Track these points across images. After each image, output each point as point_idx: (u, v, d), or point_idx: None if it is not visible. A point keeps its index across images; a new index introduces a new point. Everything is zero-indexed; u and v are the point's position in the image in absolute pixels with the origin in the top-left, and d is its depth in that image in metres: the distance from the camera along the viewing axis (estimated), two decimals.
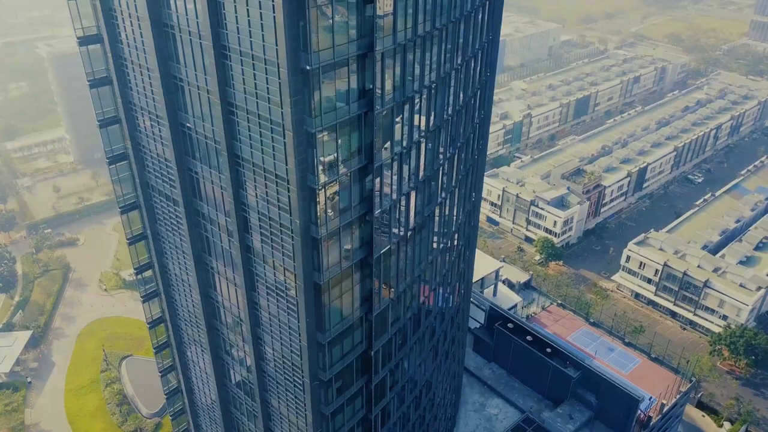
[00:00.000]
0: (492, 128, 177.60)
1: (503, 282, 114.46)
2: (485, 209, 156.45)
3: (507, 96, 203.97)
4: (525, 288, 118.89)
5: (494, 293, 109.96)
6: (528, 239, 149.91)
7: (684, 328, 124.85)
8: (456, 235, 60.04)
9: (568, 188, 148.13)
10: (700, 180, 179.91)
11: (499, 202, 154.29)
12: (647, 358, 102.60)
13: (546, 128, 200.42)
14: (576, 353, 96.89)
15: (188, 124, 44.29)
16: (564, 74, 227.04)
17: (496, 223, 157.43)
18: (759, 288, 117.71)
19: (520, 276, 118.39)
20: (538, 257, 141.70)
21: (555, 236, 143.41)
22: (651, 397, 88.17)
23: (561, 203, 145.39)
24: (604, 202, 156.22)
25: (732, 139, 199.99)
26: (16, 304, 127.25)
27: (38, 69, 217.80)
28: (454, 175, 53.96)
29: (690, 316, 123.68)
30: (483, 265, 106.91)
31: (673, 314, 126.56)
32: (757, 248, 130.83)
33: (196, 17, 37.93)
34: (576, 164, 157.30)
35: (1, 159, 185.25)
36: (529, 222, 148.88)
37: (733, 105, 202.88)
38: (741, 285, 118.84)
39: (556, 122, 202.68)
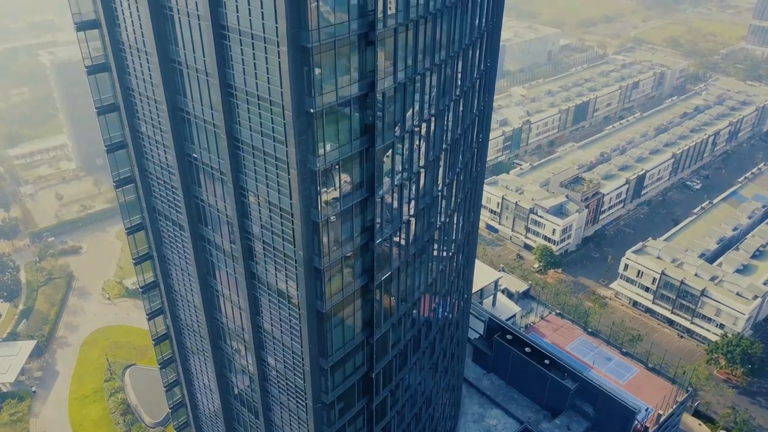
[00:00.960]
0: (491, 135, 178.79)
1: (502, 292, 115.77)
2: (485, 217, 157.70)
3: (506, 102, 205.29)
4: (524, 297, 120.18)
5: (493, 303, 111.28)
6: (527, 247, 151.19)
7: (681, 336, 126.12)
8: (455, 256, 61.30)
9: (566, 196, 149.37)
10: (698, 186, 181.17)
11: (498, 210, 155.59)
12: (644, 368, 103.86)
13: (545, 134, 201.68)
14: (574, 364, 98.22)
15: (194, 155, 45.56)
16: (563, 80, 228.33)
17: (496, 231, 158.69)
18: (755, 297, 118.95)
19: (518, 285, 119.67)
20: (537, 265, 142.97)
21: (554, 244, 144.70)
22: (648, 408, 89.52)
23: (560, 211, 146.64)
24: (602, 209, 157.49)
25: (730, 145, 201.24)
26: (20, 312, 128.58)
27: (40, 74, 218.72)
28: (453, 199, 55.21)
29: (687, 324, 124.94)
30: (482, 275, 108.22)
31: (671, 322, 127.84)
32: (753, 256, 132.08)
33: (203, 56, 39.28)
34: (575, 172, 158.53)
35: (3, 166, 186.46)
36: (528, 230, 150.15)
37: (731, 111, 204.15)
38: (738, 293, 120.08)
39: (555, 128, 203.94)
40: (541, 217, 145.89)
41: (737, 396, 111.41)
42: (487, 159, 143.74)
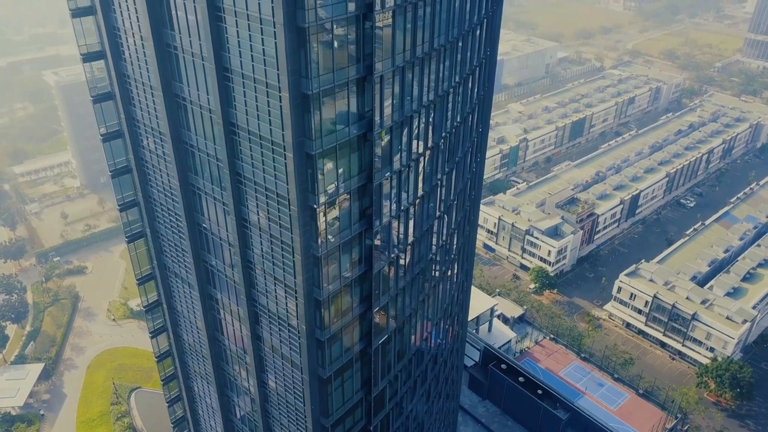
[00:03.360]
0: (489, 153, 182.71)
1: (498, 317, 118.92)
2: (482, 236, 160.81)
3: (504, 119, 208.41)
4: (519, 322, 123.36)
5: (489, 329, 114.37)
6: (523, 267, 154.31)
7: (673, 358, 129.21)
8: (451, 300, 64.51)
9: (562, 217, 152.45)
10: (692, 204, 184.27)
11: (495, 230, 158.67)
12: (635, 394, 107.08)
13: (542, 151, 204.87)
14: (567, 390, 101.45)
15: (197, 185, 48.70)
16: (560, 95, 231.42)
17: (493, 250, 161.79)
18: (744, 321, 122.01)
19: (514, 310, 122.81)
20: (533, 286, 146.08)
21: (549, 265, 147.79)
22: None
23: (555, 232, 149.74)
24: (597, 229, 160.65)
25: (724, 161, 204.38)
26: (28, 334, 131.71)
27: (43, 89, 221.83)
28: (445, 234, 58.33)
29: (678, 346, 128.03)
30: (478, 302, 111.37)
31: (663, 344, 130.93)
32: (744, 279, 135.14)
33: (208, 96, 42.53)
34: (570, 193, 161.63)
35: (9, 184, 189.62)
36: (524, 250, 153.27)
37: (725, 128, 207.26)
38: (728, 317, 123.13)
39: (551, 145, 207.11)
40: (537, 238, 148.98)
41: (726, 419, 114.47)
42: (485, 177, 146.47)
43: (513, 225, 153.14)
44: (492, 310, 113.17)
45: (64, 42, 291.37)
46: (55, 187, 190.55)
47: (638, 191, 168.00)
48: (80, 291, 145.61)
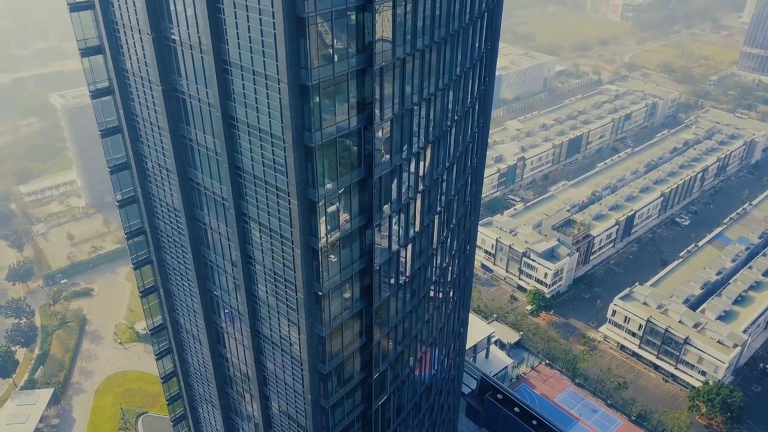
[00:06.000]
0: (487, 172, 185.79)
1: (495, 343, 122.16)
2: (480, 257, 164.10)
3: (502, 137, 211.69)
4: (516, 347, 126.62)
5: (486, 356, 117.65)
6: (521, 288, 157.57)
7: (666, 381, 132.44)
8: (448, 338, 67.98)
9: (558, 239, 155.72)
10: (687, 222, 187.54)
11: (492, 251, 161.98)
12: (628, 420, 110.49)
13: (539, 169, 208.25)
14: (561, 417, 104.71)
15: (203, 222, 51.91)
16: (557, 112, 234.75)
17: (490, 271, 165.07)
18: (735, 345, 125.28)
19: (511, 336, 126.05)
20: (529, 307, 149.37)
21: (546, 287, 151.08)
22: None
23: (551, 255, 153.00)
24: (593, 250, 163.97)
25: (719, 179, 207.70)
26: (37, 358, 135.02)
27: (48, 106, 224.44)
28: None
29: (671, 369, 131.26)
30: (476, 330, 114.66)
31: (656, 367, 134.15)
32: (735, 302, 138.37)
33: (214, 142, 45.32)
34: (566, 215, 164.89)
35: (16, 204, 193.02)
36: (521, 272, 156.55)
37: (720, 145, 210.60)
38: (719, 341, 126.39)
39: (549, 162, 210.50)
40: (533, 260, 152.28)
41: None
42: (483, 195, 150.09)
43: (510, 247, 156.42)
44: (489, 338, 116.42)
45: (67, 57, 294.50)
46: (60, 207, 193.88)
47: (633, 212, 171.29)
48: (87, 313, 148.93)
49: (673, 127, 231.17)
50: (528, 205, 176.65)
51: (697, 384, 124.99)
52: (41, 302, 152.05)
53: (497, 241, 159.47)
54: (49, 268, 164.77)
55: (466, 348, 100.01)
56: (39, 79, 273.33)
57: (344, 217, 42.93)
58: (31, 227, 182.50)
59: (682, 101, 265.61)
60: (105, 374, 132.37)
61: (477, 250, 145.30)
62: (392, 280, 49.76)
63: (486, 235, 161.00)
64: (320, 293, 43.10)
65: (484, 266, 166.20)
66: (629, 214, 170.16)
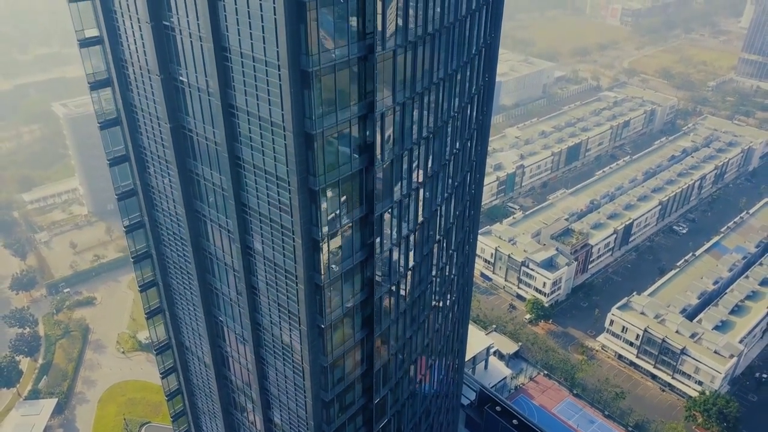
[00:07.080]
0: (486, 180, 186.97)
1: (494, 353, 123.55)
2: (479, 265, 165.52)
3: (501, 145, 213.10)
4: (514, 358, 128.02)
5: (485, 367, 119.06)
6: (520, 297, 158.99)
7: (663, 390, 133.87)
8: (447, 357, 69.45)
9: (557, 249, 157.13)
10: (684, 231, 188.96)
11: (492, 260, 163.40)
12: (625, 431, 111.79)
13: (538, 176, 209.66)
14: (559, 428, 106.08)
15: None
16: (556, 119, 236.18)
17: (490, 279, 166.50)
18: (731, 355, 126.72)
19: (509, 347, 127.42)
20: (528, 316, 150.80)
21: (544, 296, 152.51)
22: None
23: (550, 264, 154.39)
24: (591, 258, 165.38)
25: (716, 186, 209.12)
26: (40, 367, 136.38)
27: (50, 113, 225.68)
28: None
29: (668, 379, 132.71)
30: (475, 341, 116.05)
31: (653, 376, 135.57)
32: (732, 312, 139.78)
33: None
34: (564, 224, 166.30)
35: (19, 212, 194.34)
36: (520, 281, 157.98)
37: (717, 153, 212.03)
38: (715, 351, 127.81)
39: (548, 170, 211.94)
40: (532, 269, 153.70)
41: None
42: (482, 203, 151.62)
43: (509, 256, 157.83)
44: (488, 349, 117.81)
45: (68, 63, 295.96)
46: (63, 215, 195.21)
47: (631, 220, 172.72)
48: (90, 323, 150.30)
49: (671, 134, 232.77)
50: (527, 213, 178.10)
51: (694, 394, 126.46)
52: (44, 311, 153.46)
53: (496, 250, 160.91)
54: (51, 276, 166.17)
55: (465, 360, 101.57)
56: (41, 85, 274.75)
57: (345, 252, 44.33)
58: (34, 235, 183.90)
59: (681, 108, 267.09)
60: (108, 384, 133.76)
61: (476, 259, 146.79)
62: (393, 310, 51.15)
63: (485, 244, 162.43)
64: (322, 326, 44.50)
65: (483, 275, 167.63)
66: (627, 223, 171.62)
